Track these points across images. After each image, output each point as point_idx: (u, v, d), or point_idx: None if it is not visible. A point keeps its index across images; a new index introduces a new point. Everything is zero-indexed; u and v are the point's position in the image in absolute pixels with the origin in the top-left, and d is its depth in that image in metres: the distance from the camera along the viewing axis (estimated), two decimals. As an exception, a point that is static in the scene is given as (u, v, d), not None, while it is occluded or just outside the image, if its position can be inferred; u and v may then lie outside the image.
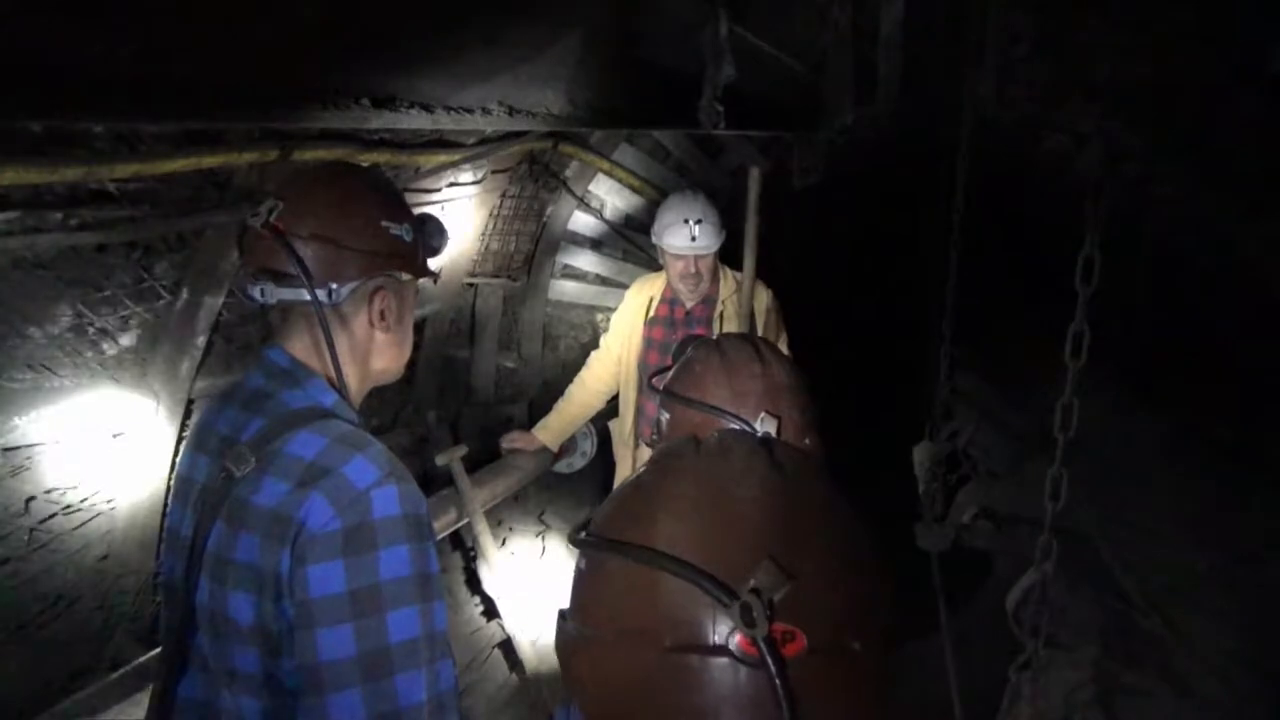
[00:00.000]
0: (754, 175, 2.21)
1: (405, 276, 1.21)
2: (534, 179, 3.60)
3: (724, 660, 0.72)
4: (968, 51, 2.88)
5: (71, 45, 0.58)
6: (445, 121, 0.95)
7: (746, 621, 0.70)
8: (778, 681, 0.69)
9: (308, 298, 1.09)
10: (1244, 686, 2.04)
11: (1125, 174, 2.64)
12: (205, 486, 1.10)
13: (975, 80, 2.79)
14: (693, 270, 2.80)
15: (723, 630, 0.72)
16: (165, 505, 2.19)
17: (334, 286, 1.12)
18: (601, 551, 0.84)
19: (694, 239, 2.74)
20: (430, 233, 1.26)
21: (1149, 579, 2.39)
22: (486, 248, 3.57)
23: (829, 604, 0.76)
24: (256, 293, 1.12)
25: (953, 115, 3.08)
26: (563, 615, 0.87)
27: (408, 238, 1.19)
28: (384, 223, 1.16)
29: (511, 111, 1.07)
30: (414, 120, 0.89)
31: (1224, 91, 2.31)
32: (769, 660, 0.69)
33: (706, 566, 0.75)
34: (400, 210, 1.20)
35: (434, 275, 1.27)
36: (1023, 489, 2.82)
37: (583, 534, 0.87)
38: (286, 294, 1.11)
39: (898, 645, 0.80)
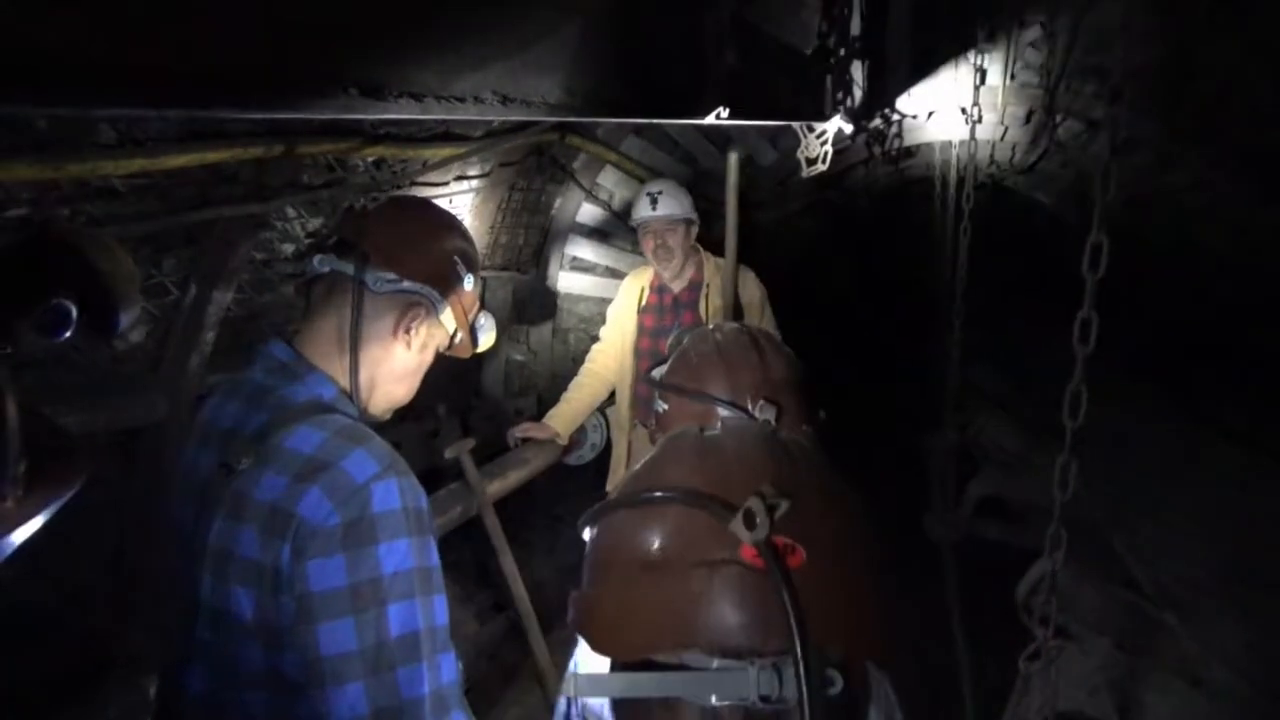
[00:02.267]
0: (732, 159, 2.23)
1: (446, 314, 1.21)
2: (541, 171, 3.60)
3: (733, 569, 0.78)
4: (977, 38, 2.86)
5: (50, 33, 0.58)
6: (436, 110, 0.95)
7: (748, 525, 0.76)
8: (782, 584, 0.75)
9: (352, 271, 1.13)
10: (1257, 677, 2.02)
11: (1137, 160, 2.61)
12: (206, 481, 1.10)
13: (984, 67, 2.76)
14: (661, 243, 3.01)
15: (731, 544, 0.79)
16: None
17: (385, 275, 1.15)
18: (611, 511, 0.91)
19: (653, 207, 2.97)
20: (484, 314, 1.30)
21: (1161, 569, 2.37)
22: (495, 240, 3.57)
23: (825, 527, 0.84)
24: (314, 261, 1.17)
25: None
26: (573, 591, 0.92)
27: (468, 286, 1.24)
28: (456, 257, 1.22)
29: (505, 100, 1.06)
30: (403, 109, 0.89)
31: (1236, 77, 2.27)
32: (773, 563, 0.75)
33: (710, 490, 0.83)
34: (474, 266, 1.26)
35: (471, 343, 1.29)
36: (1033, 478, 2.80)
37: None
38: (338, 266, 1.15)
39: (893, 568, 0.89)
